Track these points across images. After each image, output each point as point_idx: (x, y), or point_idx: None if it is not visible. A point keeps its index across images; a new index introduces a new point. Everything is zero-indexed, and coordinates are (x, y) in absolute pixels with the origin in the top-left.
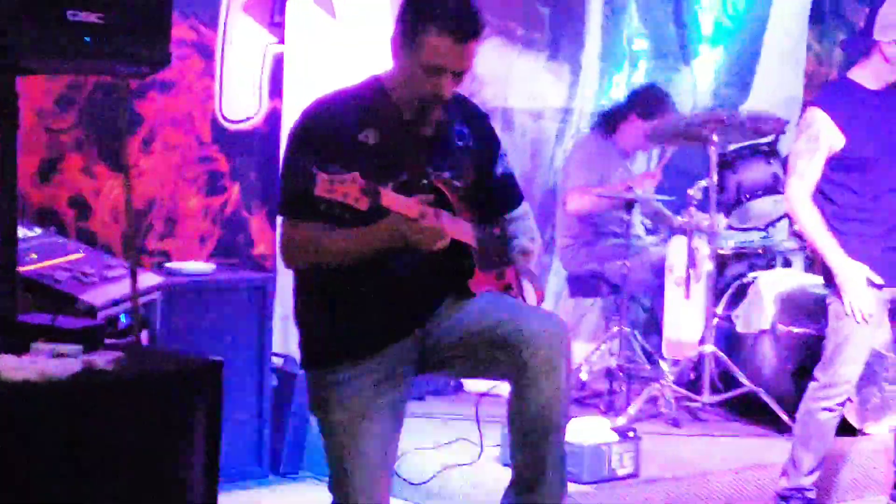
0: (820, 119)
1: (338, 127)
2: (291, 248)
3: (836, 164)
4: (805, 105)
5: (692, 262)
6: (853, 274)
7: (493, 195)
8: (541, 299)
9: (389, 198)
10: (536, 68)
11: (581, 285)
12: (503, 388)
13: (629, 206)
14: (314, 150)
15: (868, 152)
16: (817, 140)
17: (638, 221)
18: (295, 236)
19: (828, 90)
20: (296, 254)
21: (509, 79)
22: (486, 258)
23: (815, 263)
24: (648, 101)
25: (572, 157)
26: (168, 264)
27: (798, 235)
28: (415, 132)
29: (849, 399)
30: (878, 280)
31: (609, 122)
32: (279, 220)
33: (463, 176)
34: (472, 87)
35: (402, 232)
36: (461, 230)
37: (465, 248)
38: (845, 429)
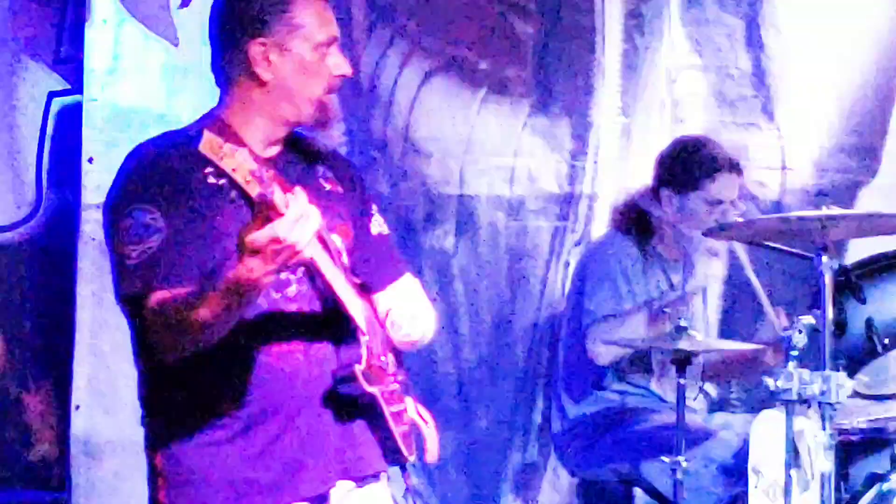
0: None
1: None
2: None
3: None
4: None
5: (795, 456)
6: None
7: (371, 260)
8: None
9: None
10: (514, 128)
11: (600, 500)
12: None
13: (682, 361)
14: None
15: None
16: None
17: (696, 386)
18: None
19: None
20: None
21: (468, 147)
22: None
23: None
24: (690, 164)
25: (587, 273)
26: None
27: None
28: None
29: None
30: None
31: (636, 212)
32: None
33: (337, 230)
34: (409, 162)
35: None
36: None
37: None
38: None
